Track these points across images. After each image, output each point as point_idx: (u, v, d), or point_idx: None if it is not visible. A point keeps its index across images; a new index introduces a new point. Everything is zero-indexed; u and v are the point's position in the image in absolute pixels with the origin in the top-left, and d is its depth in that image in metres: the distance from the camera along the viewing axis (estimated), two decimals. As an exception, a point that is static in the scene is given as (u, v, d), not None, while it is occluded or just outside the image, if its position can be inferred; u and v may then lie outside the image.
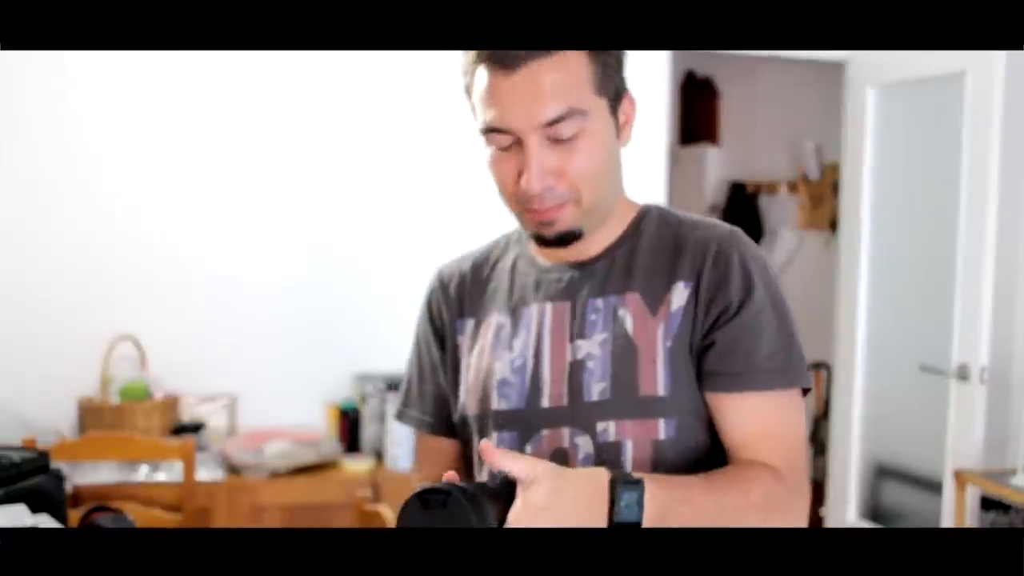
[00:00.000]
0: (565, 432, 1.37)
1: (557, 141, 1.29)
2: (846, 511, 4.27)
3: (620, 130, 1.38)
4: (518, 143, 1.31)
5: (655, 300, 1.38)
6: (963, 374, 3.67)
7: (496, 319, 1.49)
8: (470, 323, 1.53)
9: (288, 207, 3.82)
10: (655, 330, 1.36)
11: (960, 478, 3.47)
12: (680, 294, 1.37)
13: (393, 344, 3.83)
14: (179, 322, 3.69)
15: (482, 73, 1.32)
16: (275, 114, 3.79)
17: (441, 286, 1.59)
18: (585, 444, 1.36)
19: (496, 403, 1.43)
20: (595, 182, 1.33)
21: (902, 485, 4.22)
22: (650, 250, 1.42)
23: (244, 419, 3.72)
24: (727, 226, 1.43)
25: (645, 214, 1.47)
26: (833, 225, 5.19)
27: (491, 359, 1.46)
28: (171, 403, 3.51)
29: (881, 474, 4.27)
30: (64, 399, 3.49)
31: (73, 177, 3.58)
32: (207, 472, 3.27)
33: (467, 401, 1.49)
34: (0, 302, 3.50)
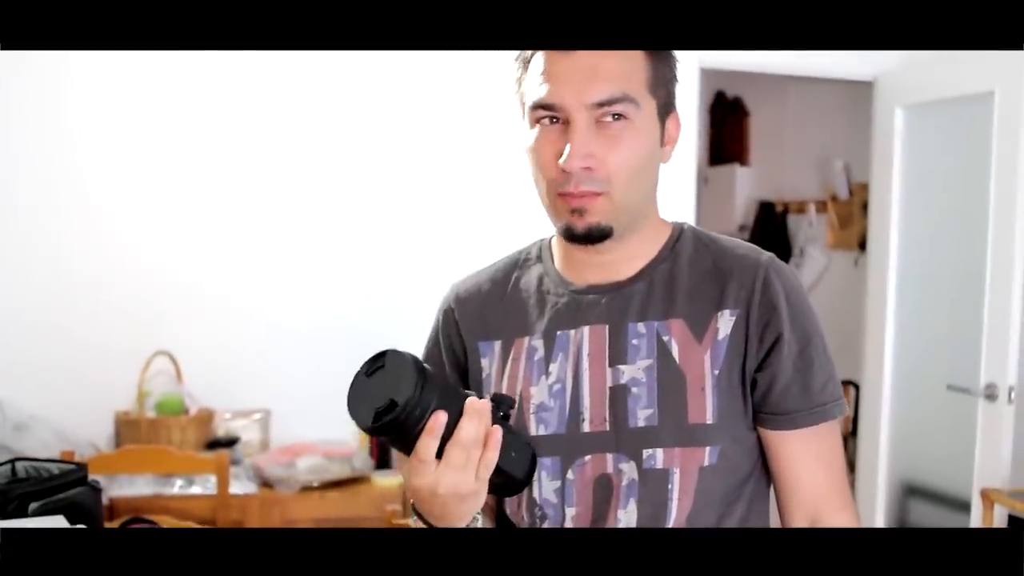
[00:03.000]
0: (609, 458, 1.35)
1: (604, 128, 1.29)
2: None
3: (664, 144, 1.38)
4: (564, 124, 1.31)
5: (700, 327, 1.36)
6: (991, 394, 3.66)
7: (529, 342, 1.44)
8: (496, 345, 1.48)
9: (324, 225, 3.86)
10: (702, 357, 1.35)
11: (987, 497, 3.46)
12: (727, 321, 1.35)
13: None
14: (214, 338, 3.74)
15: (539, 57, 1.32)
16: (308, 136, 3.84)
17: (459, 303, 1.55)
18: (630, 470, 1.34)
19: (535, 428, 1.39)
20: (630, 178, 1.32)
21: (929, 504, 4.20)
22: (689, 273, 1.40)
23: (277, 434, 3.76)
24: (764, 252, 1.41)
25: (680, 234, 1.45)
26: (862, 244, 5.18)
27: (525, 384, 1.42)
28: (205, 417, 3.56)
29: (908, 493, 4.26)
30: (101, 413, 3.54)
31: (113, 195, 3.64)
32: (240, 486, 3.31)
33: None
34: (39, 318, 3.56)
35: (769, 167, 6.22)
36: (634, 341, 1.37)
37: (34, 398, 3.41)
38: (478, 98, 3.96)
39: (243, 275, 3.79)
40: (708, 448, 1.33)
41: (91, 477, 2.24)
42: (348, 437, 3.83)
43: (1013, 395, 3.61)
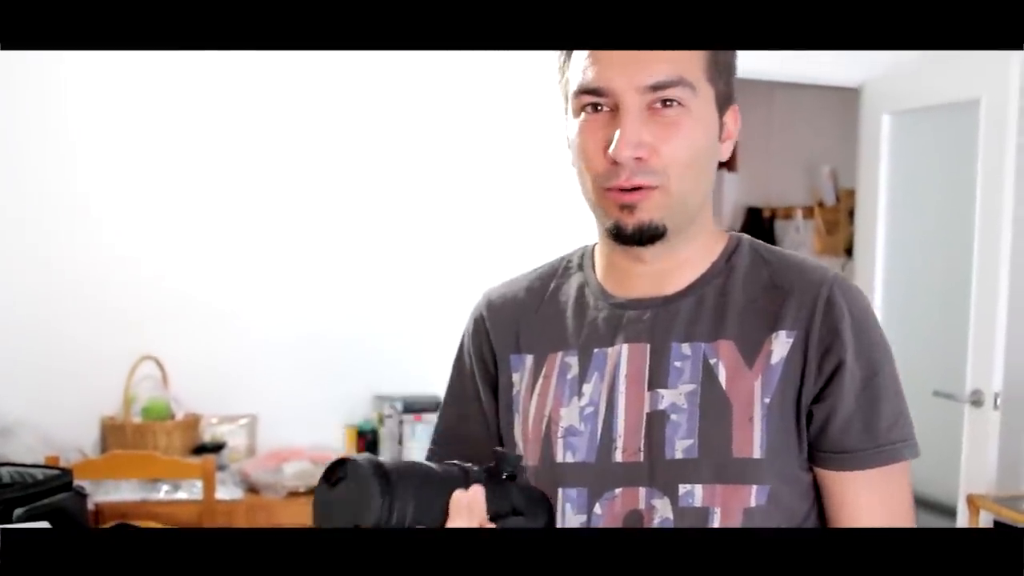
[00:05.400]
0: (641, 492, 1.21)
1: (657, 114, 1.17)
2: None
3: (722, 139, 1.26)
4: (613, 111, 1.18)
5: (751, 350, 1.22)
6: (977, 400, 3.68)
7: (562, 358, 1.31)
8: (528, 360, 1.35)
9: (309, 230, 3.86)
10: (752, 384, 1.20)
11: (973, 503, 3.48)
12: (782, 344, 1.21)
13: (411, 366, 3.88)
14: (200, 343, 3.73)
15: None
16: (298, 139, 3.83)
17: (491, 313, 1.41)
18: (663, 507, 1.20)
19: (561, 455, 1.26)
20: (687, 171, 1.19)
21: (915, 510, 4.21)
22: (744, 290, 1.25)
23: (263, 439, 3.75)
24: (830, 269, 1.27)
25: (736, 246, 1.30)
26: (848, 250, 5.19)
27: (556, 404, 1.29)
28: (192, 422, 3.55)
29: (895, 499, 4.26)
30: (87, 418, 3.53)
31: (99, 199, 3.63)
32: (226, 491, 3.30)
33: (525, 451, 1.31)
34: (25, 322, 3.54)
35: (756, 173, 6.23)
36: (677, 363, 1.23)
37: (19, 402, 3.39)
38: (467, 106, 3.96)
39: (230, 280, 3.79)
40: (754, 487, 1.18)
41: (76, 482, 2.24)
42: (335, 442, 3.83)
43: (999, 401, 3.63)
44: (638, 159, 1.17)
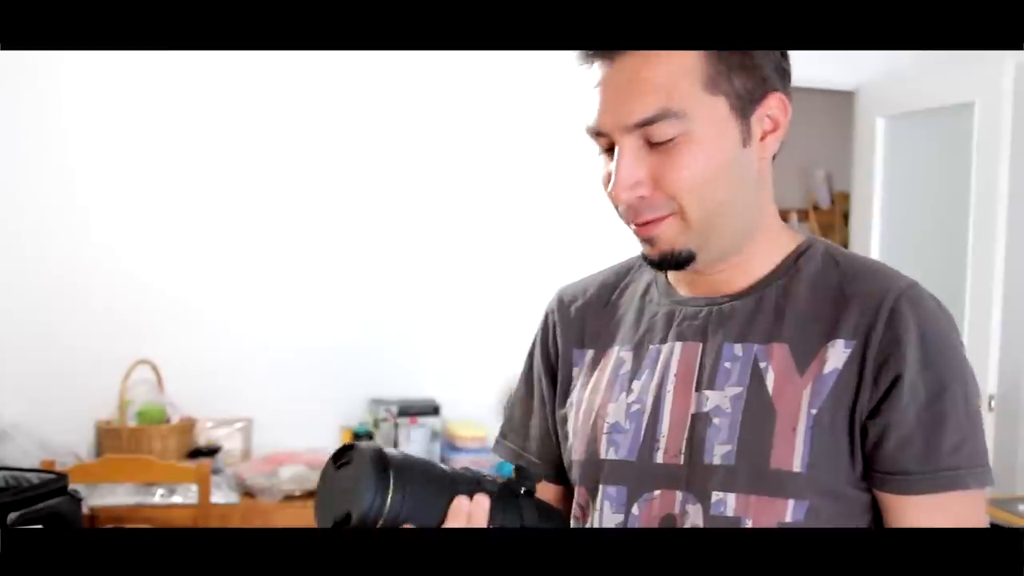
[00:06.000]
0: (678, 496, 1.18)
1: (654, 145, 1.12)
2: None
3: (759, 136, 1.19)
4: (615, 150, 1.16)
5: (806, 356, 1.15)
6: (972, 402, 3.68)
7: (617, 353, 1.29)
8: (589, 354, 1.33)
9: (303, 235, 3.86)
10: (800, 392, 1.14)
11: (969, 505, 3.48)
12: (839, 353, 1.14)
13: (406, 369, 3.88)
14: (196, 347, 3.73)
15: (585, 68, 1.16)
16: (291, 141, 3.83)
17: (560, 307, 1.39)
18: (695, 514, 1.16)
19: (604, 451, 1.24)
20: (700, 193, 1.13)
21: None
22: (808, 294, 1.19)
23: (259, 443, 3.75)
24: (908, 278, 1.19)
25: (807, 248, 1.24)
26: (844, 253, 5.20)
27: (605, 399, 1.26)
28: (187, 426, 3.55)
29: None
30: (82, 422, 3.53)
31: (94, 203, 3.63)
32: (222, 495, 3.29)
33: (575, 444, 1.29)
34: (20, 327, 3.54)
35: (751, 176, 6.24)
36: (727, 364, 1.18)
37: (14, 407, 3.39)
38: (465, 111, 3.97)
39: (225, 284, 3.79)
40: (792, 501, 1.12)
41: (71, 486, 2.23)
42: (330, 446, 3.82)
43: (993, 404, 3.64)
44: (640, 197, 1.14)
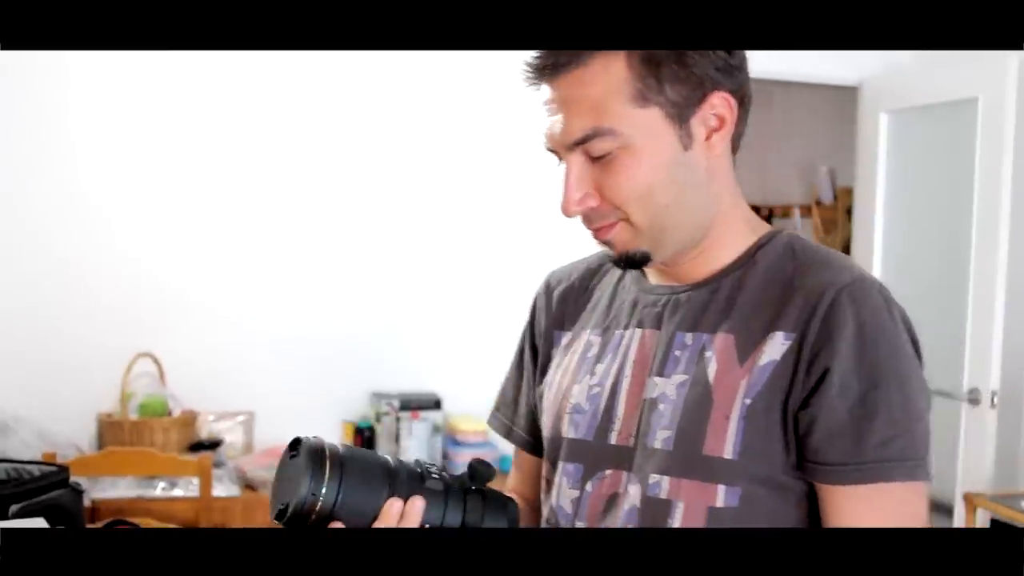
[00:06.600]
0: (624, 476, 1.24)
1: (596, 159, 1.18)
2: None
3: (704, 136, 1.21)
4: None
5: (748, 346, 1.19)
6: (974, 398, 3.68)
7: (587, 337, 1.36)
8: (566, 336, 1.40)
9: (305, 230, 3.86)
10: (738, 382, 1.17)
11: (970, 501, 3.48)
12: (778, 345, 1.17)
13: (408, 363, 3.88)
14: (197, 340, 3.73)
15: (534, 89, 1.21)
16: (294, 136, 3.83)
17: (547, 291, 1.46)
18: (634, 494, 1.22)
19: (566, 430, 1.31)
20: (643, 201, 1.17)
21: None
22: (761, 286, 1.22)
23: (261, 436, 3.75)
24: (858, 272, 1.20)
25: (768, 241, 1.27)
26: (846, 249, 5.19)
27: (572, 380, 1.33)
28: (189, 419, 3.54)
29: (892, 497, 4.27)
30: (84, 414, 3.53)
31: (94, 196, 3.63)
32: (223, 488, 3.30)
33: (544, 421, 1.37)
34: (22, 319, 3.54)
35: (754, 171, 6.22)
36: (677, 352, 1.23)
37: (16, 399, 3.38)
38: (467, 106, 3.96)
39: (227, 277, 3.79)
40: (722, 487, 1.16)
41: (73, 479, 2.22)
42: (331, 439, 3.82)
43: (996, 400, 3.63)
44: (590, 208, 1.20)
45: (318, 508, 1.09)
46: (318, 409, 3.84)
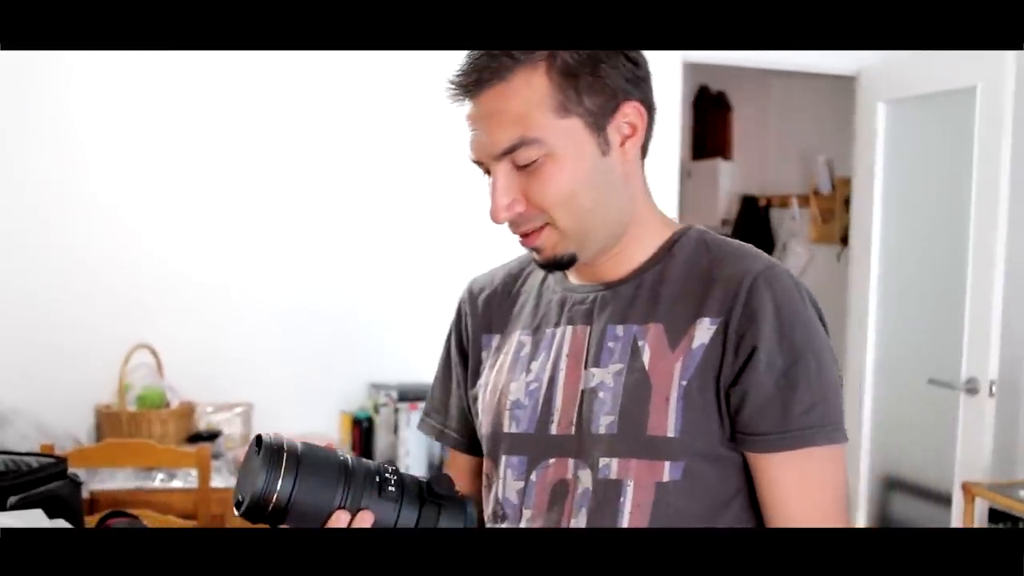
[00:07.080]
0: (570, 463, 1.32)
1: (521, 167, 1.26)
2: (855, 523, 4.27)
3: (619, 143, 1.30)
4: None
5: (677, 334, 1.28)
6: (972, 387, 3.68)
7: (518, 337, 1.43)
8: (495, 339, 1.48)
9: (303, 219, 3.85)
10: (672, 366, 1.27)
11: (968, 490, 3.48)
12: (704, 331, 1.27)
13: (406, 355, 3.88)
14: (196, 331, 3.73)
15: (457, 105, 1.30)
16: (291, 127, 3.83)
17: (471, 297, 1.54)
18: (585, 478, 1.30)
19: (507, 425, 1.38)
20: (568, 205, 1.26)
21: (910, 497, 4.23)
22: (681, 277, 1.32)
23: (259, 427, 3.74)
24: (767, 260, 1.32)
25: (681, 236, 1.37)
26: (844, 239, 5.19)
27: (508, 378, 1.40)
28: (187, 411, 3.54)
29: (890, 486, 4.28)
30: (82, 406, 3.53)
31: (91, 188, 3.62)
32: (222, 480, 3.29)
33: (482, 420, 1.44)
34: (20, 310, 3.54)
35: (752, 161, 6.23)
36: (610, 344, 1.32)
37: (14, 391, 3.39)
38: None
39: (225, 268, 3.78)
40: (668, 463, 1.26)
41: (71, 471, 2.22)
42: (330, 430, 3.83)
43: (994, 389, 3.63)
44: (518, 213, 1.28)
45: (273, 501, 1.15)
46: (316, 400, 3.85)
